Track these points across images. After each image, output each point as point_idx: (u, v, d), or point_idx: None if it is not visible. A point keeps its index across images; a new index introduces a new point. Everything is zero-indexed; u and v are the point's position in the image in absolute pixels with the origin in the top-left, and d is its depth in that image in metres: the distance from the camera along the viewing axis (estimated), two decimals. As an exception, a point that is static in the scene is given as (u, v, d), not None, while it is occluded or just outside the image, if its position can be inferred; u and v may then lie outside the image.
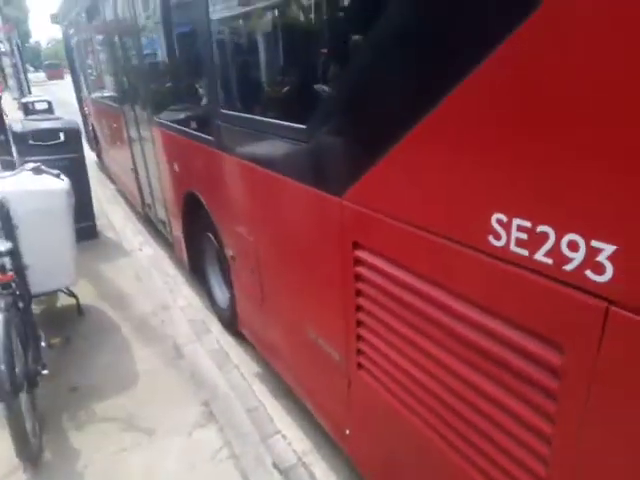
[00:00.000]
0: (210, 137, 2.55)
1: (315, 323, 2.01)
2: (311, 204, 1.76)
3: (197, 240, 3.53)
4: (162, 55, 3.47)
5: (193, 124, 2.88)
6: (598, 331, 0.86)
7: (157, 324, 3.59)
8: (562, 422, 0.99)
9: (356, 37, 1.43)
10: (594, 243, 0.82)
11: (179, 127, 3.15)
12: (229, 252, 2.83)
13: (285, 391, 2.72)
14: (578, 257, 0.85)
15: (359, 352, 1.71)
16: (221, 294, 3.44)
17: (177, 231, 3.93)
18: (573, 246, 0.86)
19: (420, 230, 1.22)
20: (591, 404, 0.92)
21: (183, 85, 3.11)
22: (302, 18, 1.83)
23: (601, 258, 0.82)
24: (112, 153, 6.70)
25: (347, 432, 1.98)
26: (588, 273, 0.85)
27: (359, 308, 1.63)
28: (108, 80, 5.67)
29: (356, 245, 1.53)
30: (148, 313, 3.74)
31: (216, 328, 3.55)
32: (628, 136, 0.74)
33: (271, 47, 2.06)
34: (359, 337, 1.68)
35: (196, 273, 3.88)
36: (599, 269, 0.82)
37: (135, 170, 5.09)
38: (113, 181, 7.53)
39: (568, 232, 0.86)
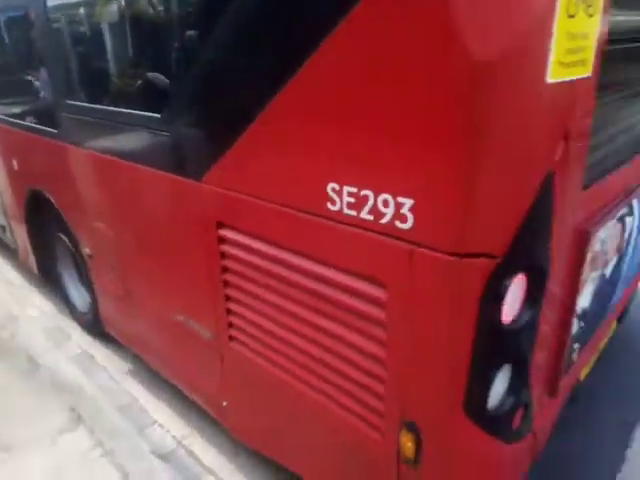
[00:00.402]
0: (55, 130, 2.43)
1: (184, 306, 2.09)
2: (171, 190, 1.83)
3: (46, 242, 3.28)
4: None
5: (35, 117, 2.69)
6: (408, 268, 1.13)
7: (6, 338, 3.26)
8: (392, 346, 1.26)
9: (202, 26, 1.54)
10: (399, 199, 1.08)
11: (17, 121, 2.89)
12: (86, 251, 2.71)
13: (160, 383, 2.72)
14: (389, 212, 1.11)
15: (230, 325, 1.84)
16: (80, 297, 3.25)
17: (21, 235, 3.58)
18: (385, 204, 1.11)
19: (271, 204, 1.41)
20: (413, 327, 1.19)
21: (21, 75, 2.86)
22: (151, 8, 1.87)
23: (404, 210, 1.08)
24: None
25: (224, 404, 2.10)
26: (397, 223, 1.11)
27: (226, 284, 1.76)
28: None
29: (220, 225, 1.66)
30: (-8, 328, 3.36)
31: (77, 333, 3.34)
32: (411, 123, 1.00)
33: (121, 35, 2.05)
34: (229, 311, 1.82)
35: (48, 278, 3.60)
36: (404, 219, 1.09)
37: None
38: None
39: (382, 193, 1.11)
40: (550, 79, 0.88)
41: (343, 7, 1.02)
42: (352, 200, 1.18)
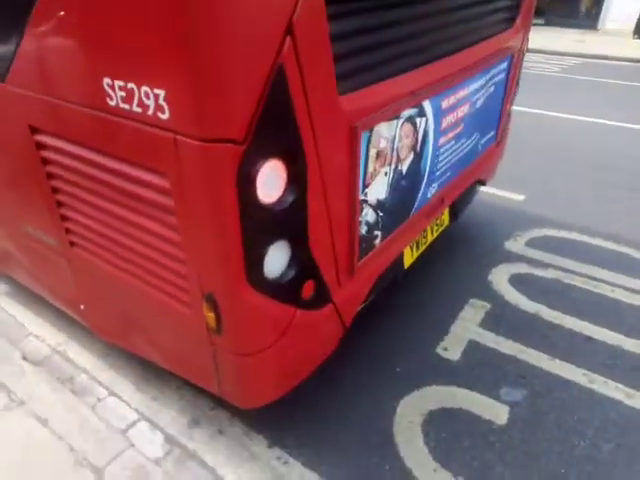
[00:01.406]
0: None
1: (28, 218, 2.13)
2: None
3: None
4: None
5: None
6: (175, 156, 1.26)
7: None
8: (183, 229, 1.43)
9: None
10: (155, 91, 1.19)
11: None
12: None
13: (39, 301, 2.78)
14: (151, 103, 1.22)
15: (68, 231, 1.93)
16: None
17: None
18: (147, 96, 1.22)
19: (67, 104, 1.46)
20: (193, 210, 1.35)
21: None
22: None
23: (161, 101, 1.19)
24: None
25: (82, 307, 2.24)
26: (159, 114, 1.22)
27: (55, 190, 1.83)
28: None
29: (33, 130, 1.69)
30: None
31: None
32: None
33: None
34: (63, 217, 1.90)
35: None
36: (162, 110, 1.21)
37: None
38: None
39: (142, 85, 1.21)
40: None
41: None
42: (123, 94, 1.27)
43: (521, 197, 4.16)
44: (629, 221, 3.80)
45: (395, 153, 1.84)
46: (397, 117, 1.75)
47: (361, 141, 1.58)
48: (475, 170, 2.82)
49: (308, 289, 1.65)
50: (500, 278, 3.11)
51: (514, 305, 2.86)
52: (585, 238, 3.55)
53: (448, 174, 2.41)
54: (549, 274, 3.14)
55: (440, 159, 2.23)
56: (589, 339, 2.61)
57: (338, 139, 1.50)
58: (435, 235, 2.70)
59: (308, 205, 1.47)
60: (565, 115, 6.53)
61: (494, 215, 3.87)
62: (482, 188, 3.36)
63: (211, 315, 1.54)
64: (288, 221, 1.44)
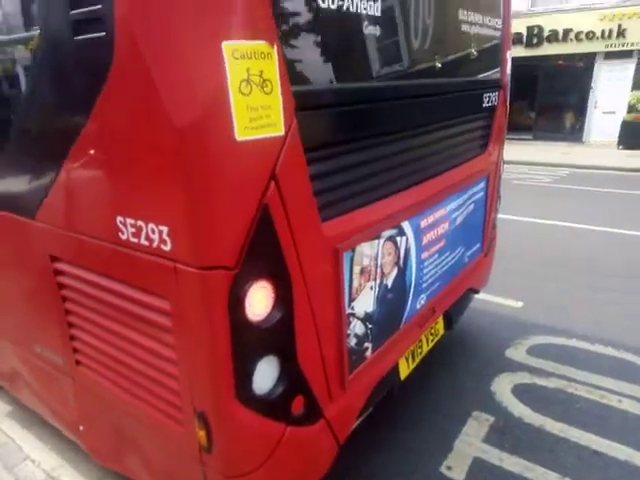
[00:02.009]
0: None
1: (36, 337, 2.26)
2: (6, 227, 2.05)
3: None
4: None
5: None
6: (176, 282, 1.43)
7: None
8: (178, 346, 1.54)
9: (19, 91, 1.85)
10: (160, 227, 1.39)
11: None
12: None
13: (40, 422, 2.79)
14: (156, 237, 1.42)
15: (75, 350, 2.05)
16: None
17: None
18: (153, 231, 1.42)
19: (85, 237, 1.67)
20: (189, 330, 1.48)
21: None
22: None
23: (164, 236, 1.39)
24: None
25: (81, 428, 2.26)
26: (162, 246, 1.41)
27: (67, 312, 1.98)
28: None
29: (53, 258, 1.90)
30: None
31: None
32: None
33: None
34: (72, 337, 2.02)
35: None
36: (165, 243, 1.40)
37: None
38: None
39: (149, 223, 1.42)
40: (239, 138, 1.24)
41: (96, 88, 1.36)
42: (133, 230, 1.48)
43: (519, 304, 4.23)
44: (626, 325, 3.82)
45: (379, 269, 2.00)
46: (378, 237, 1.94)
47: (344, 261, 1.74)
48: (464, 280, 2.96)
49: (298, 404, 1.70)
50: (503, 389, 3.08)
51: (518, 418, 2.80)
52: (585, 345, 3.56)
53: (436, 285, 2.54)
54: (552, 383, 3.11)
55: (425, 272, 2.38)
56: (597, 453, 2.51)
57: (322, 260, 1.67)
58: (431, 345, 2.76)
59: (295, 322, 1.59)
60: (557, 222, 6.83)
61: (493, 323, 3.92)
62: (478, 296, 3.47)
63: (202, 433, 1.58)
64: (276, 337, 1.55)
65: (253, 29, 1.23)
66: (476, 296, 3.41)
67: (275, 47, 1.28)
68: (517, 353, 3.47)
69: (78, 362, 2.06)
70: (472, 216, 2.89)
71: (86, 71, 1.39)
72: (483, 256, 3.23)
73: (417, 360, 2.60)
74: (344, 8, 1.56)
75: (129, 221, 1.48)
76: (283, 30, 1.35)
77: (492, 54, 2.84)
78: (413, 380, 2.83)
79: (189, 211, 1.31)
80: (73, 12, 1.33)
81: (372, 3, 1.68)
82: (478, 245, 3.11)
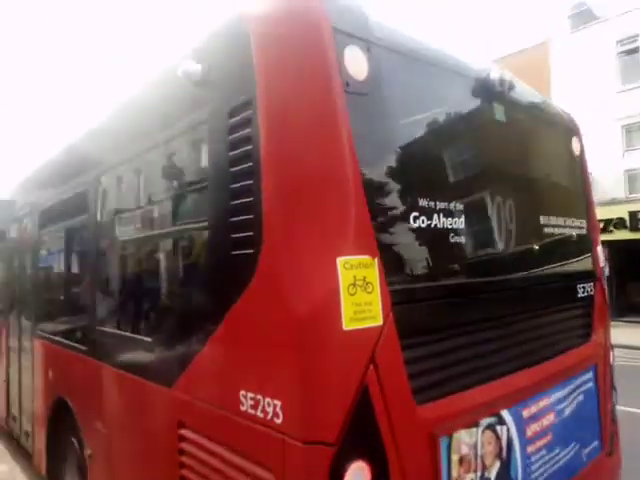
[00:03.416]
0: (83, 347, 3.21)
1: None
2: (150, 395, 2.42)
3: (59, 447, 3.73)
4: (48, 282, 4.29)
5: (71, 337, 3.53)
6: (282, 453, 1.60)
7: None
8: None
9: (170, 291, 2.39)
10: (275, 402, 1.63)
11: (58, 339, 3.75)
12: (87, 452, 3.16)
13: None
14: (270, 410, 1.65)
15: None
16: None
17: (40, 439, 4.06)
18: (268, 405, 1.66)
19: (211, 406, 1.96)
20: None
21: (65, 306, 3.87)
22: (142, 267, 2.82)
23: (277, 410, 1.62)
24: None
25: None
26: (275, 419, 1.63)
27: (182, 478, 2.17)
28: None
29: (180, 424, 2.18)
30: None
31: None
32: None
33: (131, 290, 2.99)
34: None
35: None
36: (277, 416, 1.62)
37: (7, 381, 5.22)
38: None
39: (266, 397, 1.67)
40: (345, 327, 1.53)
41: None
42: (252, 402, 1.74)
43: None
44: None
45: (480, 460, 1.97)
46: (476, 425, 1.97)
47: (440, 446, 1.79)
48: (584, 483, 2.65)
49: None
50: None
51: None
52: None
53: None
54: None
55: (533, 468, 2.24)
56: None
57: (418, 443, 1.74)
58: None
59: (391, 506, 1.61)
60: None
61: None
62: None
63: None
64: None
65: (359, 247, 1.62)
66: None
67: (376, 259, 1.64)
68: None
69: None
70: (583, 408, 2.73)
71: (236, 276, 1.84)
72: (605, 455, 2.90)
73: None
74: (432, 225, 1.94)
75: (250, 395, 1.75)
76: (382, 245, 1.72)
77: (581, 250, 3.03)
78: None
79: (301, 388, 1.56)
80: (233, 236, 1.86)
81: (457, 219, 2.05)
82: (596, 442, 2.84)
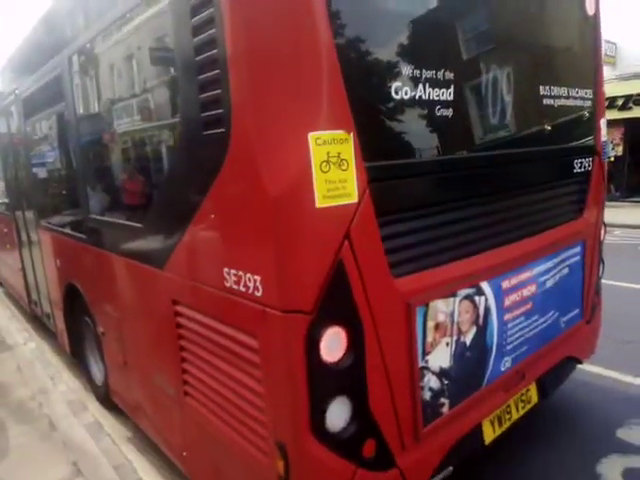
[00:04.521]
0: (83, 235, 3.30)
1: (157, 369, 2.68)
2: (145, 276, 2.54)
3: (77, 325, 4.04)
4: (44, 174, 4.30)
5: (71, 226, 3.62)
6: (263, 322, 1.70)
7: (34, 407, 3.90)
8: (264, 381, 1.79)
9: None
10: (255, 277, 1.70)
11: (60, 229, 3.85)
12: (100, 329, 3.42)
13: (152, 448, 3.19)
14: (251, 285, 1.72)
15: (184, 382, 2.40)
16: (98, 372, 3.90)
17: (60, 321, 4.39)
18: (249, 280, 1.73)
19: (199, 284, 2.05)
20: (273, 366, 1.73)
21: (62, 197, 3.90)
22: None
23: (257, 284, 1.69)
24: (1, 257, 6.97)
25: (184, 454, 2.57)
26: (255, 292, 1.71)
27: (181, 348, 2.36)
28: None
29: (174, 301, 2.31)
30: (26, 398, 4.04)
31: (93, 405, 3.94)
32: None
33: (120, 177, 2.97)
34: (183, 371, 2.39)
35: (77, 357, 4.31)
36: (258, 290, 1.69)
37: (23, 270, 5.50)
38: (1, 284, 7.66)
39: (247, 273, 1.73)
40: (318, 205, 1.53)
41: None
42: (235, 279, 1.81)
43: (638, 380, 3.82)
44: None
45: (456, 326, 2.09)
46: (453, 295, 2.05)
47: (416, 314, 1.89)
48: (561, 347, 2.84)
49: (369, 448, 1.82)
50: (612, 472, 2.80)
51: (627, 506, 2.53)
52: None
53: (523, 349, 2.51)
54: (673, 472, 2.75)
55: (509, 334, 2.39)
56: None
57: (394, 312, 1.84)
58: (522, 412, 2.66)
59: (367, 367, 1.75)
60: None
61: (605, 399, 3.58)
62: (589, 369, 3.24)
63: (281, 463, 1.77)
64: (348, 380, 1.73)
65: (333, 122, 1.54)
66: (587, 369, 3.20)
67: (351, 134, 1.58)
68: (631, 434, 3.13)
69: (186, 393, 2.40)
70: (567, 280, 2.82)
71: (210, 156, 1.80)
72: (584, 323, 3.07)
73: (505, 426, 2.53)
74: (416, 97, 1.82)
75: (232, 271, 1.82)
76: (359, 120, 1.63)
77: (582, 123, 2.88)
78: (504, 450, 2.74)
79: (277, 263, 1.60)
80: (203, 114, 1.78)
81: (445, 90, 1.92)
82: (577, 311, 2.98)
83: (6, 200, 5.92)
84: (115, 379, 3.45)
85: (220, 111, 1.67)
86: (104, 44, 2.72)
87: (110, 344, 3.32)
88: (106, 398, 3.74)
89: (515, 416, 2.61)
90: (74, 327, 4.12)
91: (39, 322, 5.60)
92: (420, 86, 1.86)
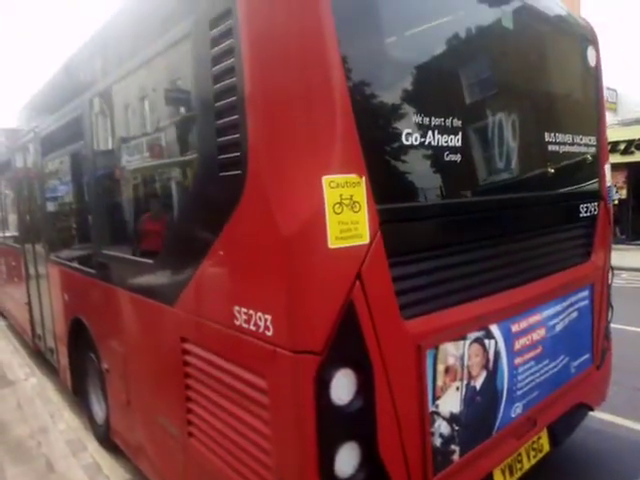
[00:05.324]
0: (92, 270, 3.33)
1: (161, 408, 2.63)
2: (154, 313, 2.54)
3: (80, 362, 4.01)
4: (57, 208, 4.38)
5: (81, 261, 3.65)
6: (273, 362, 1.69)
7: (33, 445, 3.82)
8: (272, 423, 1.76)
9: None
10: (266, 316, 1.70)
11: (70, 263, 3.89)
12: (105, 365, 3.39)
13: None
14: (262, 324, 1.73)
15: (189, 423, 2.36)
16: (99, 410, 3.84)
17: (63, 356, 4.36)
18: (260, 319, 1.73)
19: (209, 321, 2.06)
20: (281, 408, 1.70)
21: (74, 232, 3.96)
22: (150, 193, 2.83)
23: (268, 323, 1.69)
24: (7, 290, 6.99)
25: (186, 498, 2.50)
26: (266, 332, 1.71)
27: (187, 387, 2.33)
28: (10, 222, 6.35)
29: (183, 339, 2.31)
30: (25, 436, 3.95)
31: (92, 446, 3.85)
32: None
33: (133, 213, 3.02)
34: (188, 410, 2.35)
35: (79, 395, 4.24)
36: (268, 329, 1.70)
37: (29, 304, 5.50)
38: (4, 317, 7.65)
39: (258, 312, 1.74)
40: (330, 246, 1.55)
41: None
42: (245, 317, 1.81)
43: (653, 430, 3.71)
44: None
45: (466, 370, 2.07)
46: (463, 338, 2.04)
47: (426, 357, 1.88)
48: (571, 393, 2.78)
49: (380, 494, 1.77)
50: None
51: None
52: None
53: (534, 394, 2.46)
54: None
55: (520, 379, 2.35)
56: None
57: (404, 355, 1.83)
58: (533, 462, 2.58)
59: (377, 411, 1.73)
60: None
61: (619, 448, 3.47)
62: (602, 417, 3.16)
63: (287, 509, 1.72)
64: (358, 423, 1.70)
65: (346, 166, 1.59)
66: (598, 416, 3.12)
67: (363, 178, 1.62)
68: (648, 488, 3.02)
69: (190, 434, 2.36)
70: (576, 324, 2.79)
71: (225, 197, 1.84)
72: (595, 368, 3.02)
73: (516, 476, 2.45)
74: (426, 143, 1.88)
75: (243, 310, 1.82)
76: (371, 164, 1.68)
77: (586, 168, 2.93)
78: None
79: (289, 303, 1.61)
80: (220, 157, 1.84)
81: (453, 137, 1.99)
82: (587, 355, 2.94)
83: (16, 233, 6.00)
84: (117, 418, 3.39)
85: (237, 154, 1.72)
86: (124, 89, 2.84)
87: (114, 381, 3.28)
88: (106, 437, 3.66)
89: (527, 465, 2.53)
90: (77, 363, 4.08)
91: (41, 357, 5.55)
92: (429, 132, 1.92)
